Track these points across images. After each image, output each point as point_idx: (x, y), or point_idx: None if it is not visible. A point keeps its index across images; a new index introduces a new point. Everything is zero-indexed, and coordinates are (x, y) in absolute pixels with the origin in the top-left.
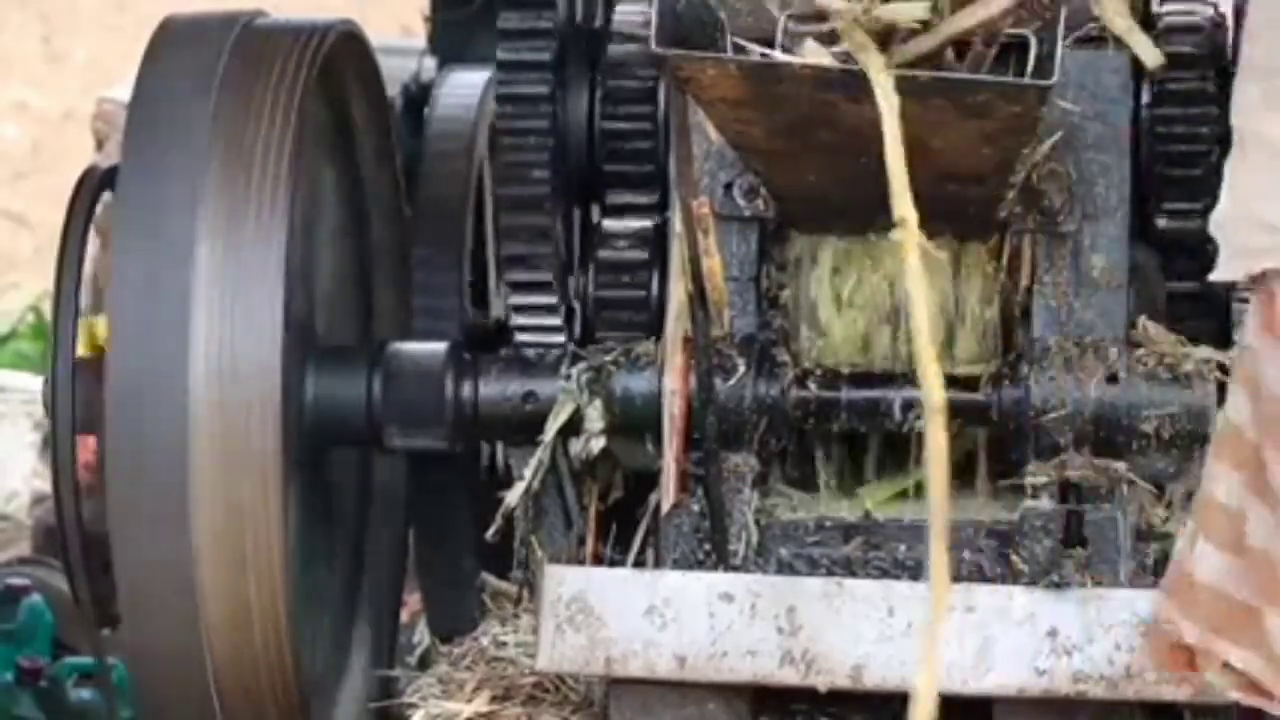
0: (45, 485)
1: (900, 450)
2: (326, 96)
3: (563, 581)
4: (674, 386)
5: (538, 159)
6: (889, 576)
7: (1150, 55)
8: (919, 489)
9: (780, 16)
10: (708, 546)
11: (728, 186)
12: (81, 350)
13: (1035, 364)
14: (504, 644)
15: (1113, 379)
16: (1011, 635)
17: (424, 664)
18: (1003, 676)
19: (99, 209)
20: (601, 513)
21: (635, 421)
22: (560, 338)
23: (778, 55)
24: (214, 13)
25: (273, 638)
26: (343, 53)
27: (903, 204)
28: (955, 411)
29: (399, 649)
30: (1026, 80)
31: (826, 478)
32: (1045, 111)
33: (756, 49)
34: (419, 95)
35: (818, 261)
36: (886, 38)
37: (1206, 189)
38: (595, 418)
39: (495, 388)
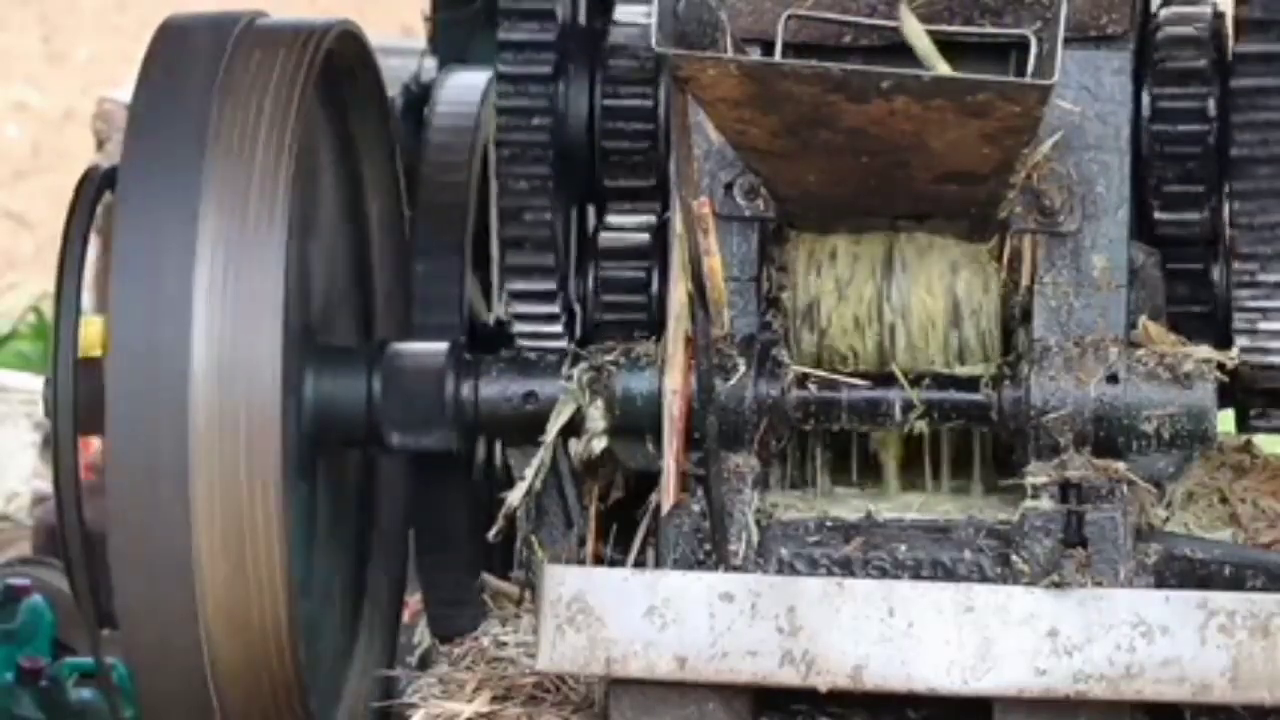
0: (45, 485)
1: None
2: (326, 96)
3: (563, 581)
4: (674, 386)
5: (537, 170)
6: (889, 576)
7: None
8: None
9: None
10: (708, 546)
11: (728, 186)
12: (82, 350)
13: (1035, 364)
14: (504, 644)
15: (1113, 379)
16: (1011, 635)
17: (424, 664)
18: (1003, 676)
19: (99, 209)
20: (601, 513)
21: (635, 421)
22: (561, 344)
23: (778, 55)
24: (214, 13)
25: (273, 639)
26: (343, 53)
27: None
28: (955, 412)
29: (399, 649)
30: (1026, 80)
31: (825, 478)
32: (1045, 111)
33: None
34: (419, 95)
35: (818, 261)
36: None
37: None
38: (597, 418)
39: (495, 388)
